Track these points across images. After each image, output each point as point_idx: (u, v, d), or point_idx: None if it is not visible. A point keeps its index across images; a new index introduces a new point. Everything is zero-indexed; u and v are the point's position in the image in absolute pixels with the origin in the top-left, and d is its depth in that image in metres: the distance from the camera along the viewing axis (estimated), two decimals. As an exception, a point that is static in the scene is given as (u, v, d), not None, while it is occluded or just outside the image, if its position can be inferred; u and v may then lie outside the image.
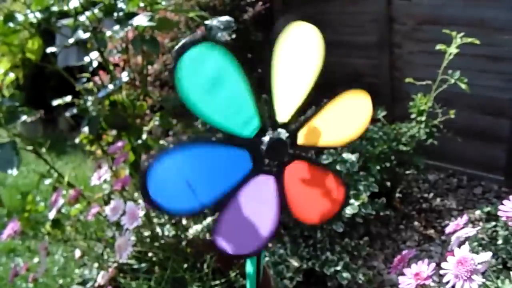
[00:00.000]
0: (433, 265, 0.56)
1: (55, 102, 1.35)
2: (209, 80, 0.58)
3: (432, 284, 0.59)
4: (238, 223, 0.66)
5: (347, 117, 0.71)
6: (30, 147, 1.18)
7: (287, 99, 0.66)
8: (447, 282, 0.54)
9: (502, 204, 0.64)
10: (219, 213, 0.63)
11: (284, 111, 0.66)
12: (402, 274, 0.63)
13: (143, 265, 0.96)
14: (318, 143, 0.70)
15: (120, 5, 1.09)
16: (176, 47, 0.57)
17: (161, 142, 1.38)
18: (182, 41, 0.57)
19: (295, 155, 0.68)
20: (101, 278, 0.91)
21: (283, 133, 0.65)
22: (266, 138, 0.63)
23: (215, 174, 0.62)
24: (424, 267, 0.56)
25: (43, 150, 1.22)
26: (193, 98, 0.57)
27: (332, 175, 0.72)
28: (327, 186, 0.71)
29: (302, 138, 0.68)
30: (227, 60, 0.59)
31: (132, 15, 1.06)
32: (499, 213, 0.60)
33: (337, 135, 0.71)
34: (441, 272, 0.54)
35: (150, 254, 0.97)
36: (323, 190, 0.71)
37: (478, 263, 0.52)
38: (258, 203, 0.66)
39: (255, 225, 0.66)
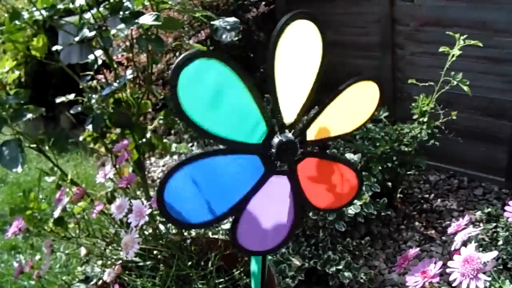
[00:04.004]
0: (440, 263, 0.56)
1: (58, 100, 1.35)
2: (211, 94, 0.57)
3: (436, 284, 0.59)
4: (257, 223, 0.67)
5: (356, 106, 0.71)
6: (33, 145, 1.18)
7: (291, 98, 0.66)
8: (453, 281, 0.54)
9: (507, 204, 0.65)
10: (238, 216, 0.64)
11: (289, 111, 0.66)
12: (406, 273, 0.63)
13: (147, 262, 0.96)
14: (329, 135, 0.70)
15: (126, 3, 1.09)
16: (172, 67, 0.55)
17: (165, 140, 1.39)
18: (177, 60, 0.55)
19: (306, 152, 0.68)
20: (107, 276, 0.91)
21: (292, 134, 0.65)
22: (275, 141, 0.63)
23: (229, 182, 0.63)
24: (431, 266, 0.57)
25: (46, 147, 1.23)
26: (196, 116, 0.57)
27: (344, 165, 0.72)
28: (341, 175, 0.72)
29: (312, 134, 0.69)
30: (226, 71, 0.57)
31: (138, 13, 1.07)
32: (504, 214, 0.60)
33: (347, 124, 0.71)
34: (448, 270, 0.55)
35: (155, 252, 0.98)
36: (338, 179, 0.72)
37: (485, 262, 0.52)
38: (275, 203, 0.67)
39: (274, 223, 0.67)
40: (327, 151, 1.54)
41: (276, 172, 0.65)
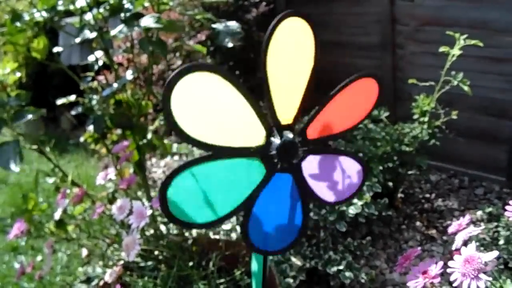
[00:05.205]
0: (441, 263, 0.56)
1: (59, 101, 1.36)
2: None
3: (437, 284, 0.59)
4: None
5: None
6: (34, 146, 1.18)
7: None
8: (454, 281, 0.54)
9: (507, 204, 0.65)
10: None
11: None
12: (407, 273, 0.63)
13: (149, 263, 0.96)
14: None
15: (127, 5, 1.09)
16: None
17: (165, 141, 1.39)
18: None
19: (308, 150, 0.68)
20: (108, 276, 0.91)
21: (291, 134, 0.65)
22: (275, 143, 0.63)
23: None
24: (432, 266, 0.57)
25: (47, 149, 1.23)
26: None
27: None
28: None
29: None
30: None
31: (138, 15, 1.07)
32: (505, 213, 0.60)
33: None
34: (448, 270, 0.55)
35: (156, 253, 0.98)
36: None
37: (486, 262, 0.52)
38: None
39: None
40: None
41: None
